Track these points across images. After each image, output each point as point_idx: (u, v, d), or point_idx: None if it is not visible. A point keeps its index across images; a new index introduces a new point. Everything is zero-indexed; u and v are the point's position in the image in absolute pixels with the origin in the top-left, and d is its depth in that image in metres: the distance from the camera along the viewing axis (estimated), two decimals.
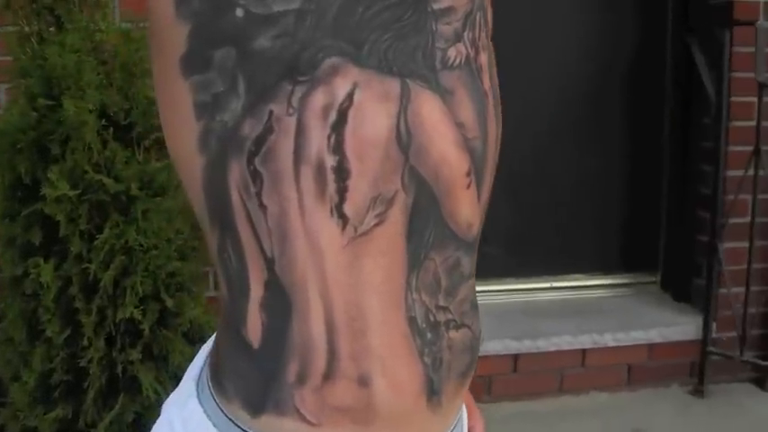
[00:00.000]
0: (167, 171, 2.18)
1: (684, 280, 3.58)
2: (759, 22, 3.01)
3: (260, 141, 0.68)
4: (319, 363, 0.71)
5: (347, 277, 0.71)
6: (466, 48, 0.74)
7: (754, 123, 3.20)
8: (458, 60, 0.73)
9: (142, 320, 2.10)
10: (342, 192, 0.69)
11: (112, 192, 2.07)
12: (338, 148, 0.68)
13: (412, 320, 0.73)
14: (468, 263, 0.78)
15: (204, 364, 0.82)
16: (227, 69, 0.68)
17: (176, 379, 2.35)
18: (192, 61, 0.70)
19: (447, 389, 0.77)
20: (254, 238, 0.70)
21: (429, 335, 0.75)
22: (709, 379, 3.31)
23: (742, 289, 3.21)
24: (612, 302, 3.62)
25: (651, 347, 3.37)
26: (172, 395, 0.86)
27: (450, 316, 0.76)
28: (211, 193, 0.72)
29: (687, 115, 3.52)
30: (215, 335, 0.83)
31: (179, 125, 0.73)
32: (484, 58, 0.76)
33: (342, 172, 0.68)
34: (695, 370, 3.36)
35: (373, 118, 0.69)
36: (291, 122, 0.68)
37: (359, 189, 0.69)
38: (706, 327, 3.28)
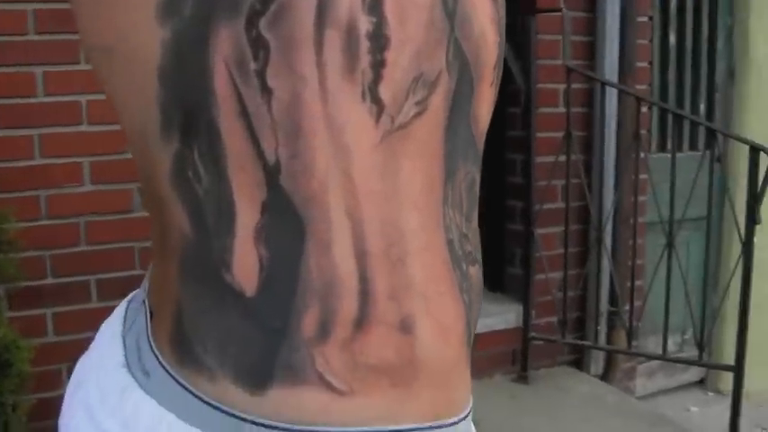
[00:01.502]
0: None
1: (497, 270, 3.58)
2: (564, 10, 3.06)
3: None
4: (349, 306, 0.53)
5: (382, 186, 0.53)
6: None
7: (558, 110, 3.25)
8: None
9: None
10: (378, 67, 0.51)
11: None
12: (376, 6, 0.51)
13: (450, 245, 0.57)
14: (478, 184, 0.62)
15: (138, 340, 0.61)
16: None
17: None
18: None
19: (472, 339, 0.61)
20: (249, 137, 0.51)
21: (464, 265, 0.58)
22: (530, 365, 3.32)
23: (557, 274, 3.25)
24: None
25: (474, 339, 3.33)
26: (76, 404, 0.63)
27: (469, 247, 0.60)
28: (174, 81, 0.51)
29: None
30: (144, 299, 0.62)
31: None
32: None
33: (379, 39, 0.51)
34: (517, 357, 3.36)
35: None
36: None
37: (399, 65, 0.52)
38: (526, 313, 3.28)
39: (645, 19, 3.43)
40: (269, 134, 0.50)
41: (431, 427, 0.56)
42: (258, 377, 0.53)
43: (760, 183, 2.70)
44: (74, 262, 2.49)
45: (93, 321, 2.32)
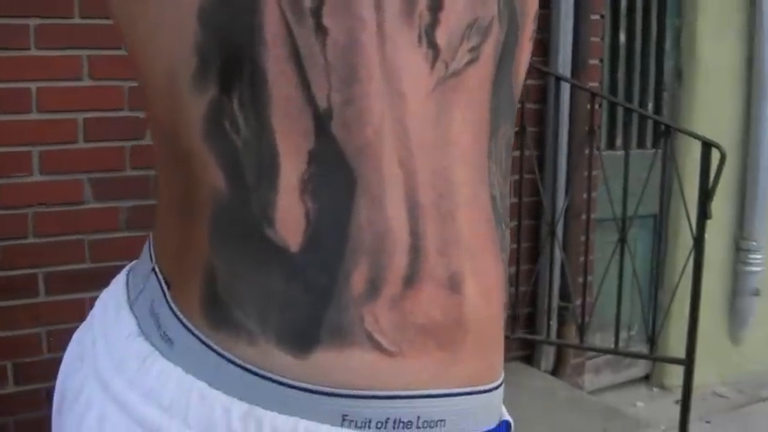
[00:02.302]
0: None
1: None
2: None
3: None
4: (400, 262, 0.50)
5: (434, 136, 0.51)
6: None
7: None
8: None
9: None
10: (435, 10, 0.49)
11: None
12: None
13: (494, 201, 0.55)
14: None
15: (153, 308, 0.57)
16: None
17: None
18: None
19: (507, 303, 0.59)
20: (299, 82, 0.48)
21: (502, 224, 0.57)
22: None
23: (510, 269, 3.24)
24: None
25: None
26: (83, 379, 0.59)
27: (503, 209, 0.59)
28: (216, 21, 0.48)
29: None
30: (153, 267, 0.59)
31: None
32: None
33: None
34: None
35: None
36: None
37: (455, 9, 0.50)
38: None
39: (597, 17, 3.46)
40: (321, 78, 0.48)
41: (474, 392, 0.54)
42: (303, 339, 0.50)
43: (711, 179, 2.74)
44: (21, 254, 2.41)
45: (40, 316, 2.25)
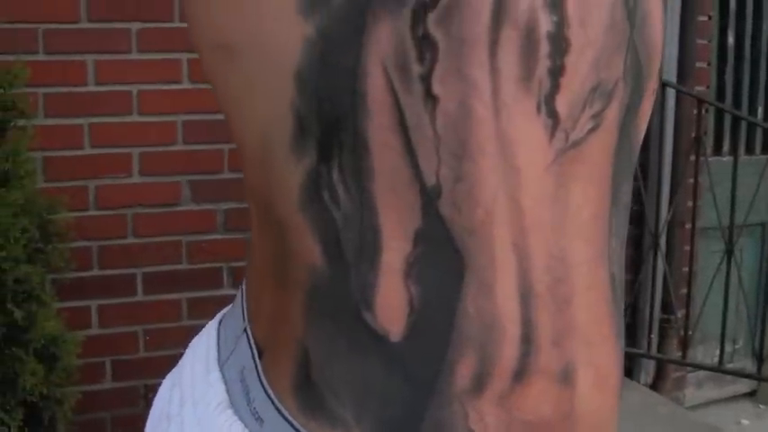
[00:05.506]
0: (12, 157, 1.83)
1: None
2: None
3: None
4: (510, 355, 0.46)
5: (550, 214, 0.46)
6: None
7: None
8: None
9: None
10: (556, 74, 0.44)
11: None
12: (557, 3, 0.43)
13: (612, 280, 0.50)
14: None
15: (243, 377, 0.53)
16: None
17: (26, 406, 1.99)
18: None
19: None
20: (405, 154, 0.44)
21: (620, 304, 0.51)
22: None
23: None
24: None
25: None
26: None
27: (620, 286, 0.53)
28: (315, 85, 0.44)
29: None
30: (246, 327, 0.55)
31: None
32: None
33: (559, 42, 0.44)
34: None
35: None
36: None
37: (578, 72, 0.45)
38: None
39: (705, 18, 3.33)
40: (430, 151, 0.43)
41: None
42: None
43: None
44: (120, 254, 2.45)
45: (138, 315, 2.28)
